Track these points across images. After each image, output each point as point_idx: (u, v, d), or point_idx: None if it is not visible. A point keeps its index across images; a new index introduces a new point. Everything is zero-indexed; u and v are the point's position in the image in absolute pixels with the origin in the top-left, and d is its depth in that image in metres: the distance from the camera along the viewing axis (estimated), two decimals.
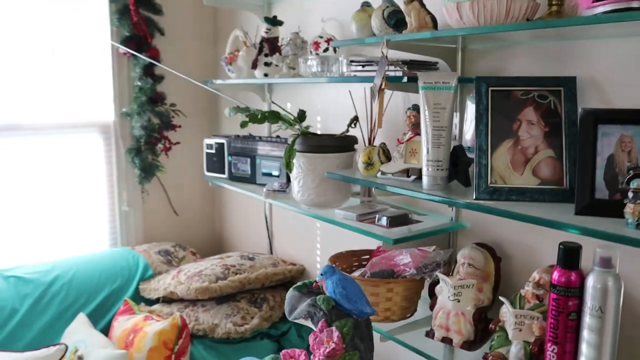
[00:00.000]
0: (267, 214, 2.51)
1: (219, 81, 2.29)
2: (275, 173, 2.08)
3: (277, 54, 1.99)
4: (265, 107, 2.39)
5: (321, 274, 1.37)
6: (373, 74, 1.51)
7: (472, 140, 1.42)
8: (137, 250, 2.48)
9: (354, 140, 1.75)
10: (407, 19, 1.40)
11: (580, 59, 1.30)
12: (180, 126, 2.61)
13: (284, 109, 1.77)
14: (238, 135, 2.24)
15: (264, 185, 2.07)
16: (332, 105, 2.06)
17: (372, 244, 1.71)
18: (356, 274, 1.59)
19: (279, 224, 2.48)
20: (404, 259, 1.53)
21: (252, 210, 2.62)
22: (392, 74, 1.40)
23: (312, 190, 1.71)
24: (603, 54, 1.26)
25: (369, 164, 1.52)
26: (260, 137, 2.16)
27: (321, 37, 1.89)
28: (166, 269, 2.42)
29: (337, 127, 1.91)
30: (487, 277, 1.44)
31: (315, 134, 1.79)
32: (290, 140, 1.73)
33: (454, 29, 1.26)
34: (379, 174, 1.52)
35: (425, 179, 1.35)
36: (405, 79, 1.36)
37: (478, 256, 1.43)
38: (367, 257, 1.79)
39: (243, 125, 1.79)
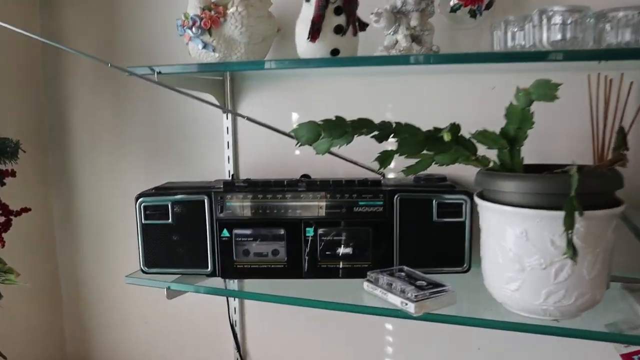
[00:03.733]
0: (237, 320, 1.35)
1: (170, 68, 1.02)
2: (347, 251, 1.04)
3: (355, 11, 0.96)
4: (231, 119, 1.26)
5: None
6: None
7: None
8: None
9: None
10: None
11: None
12: (13, 173, 1.20)
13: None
14: (231, 182, 1.06)
15: (321, 277, 1.03)
16: (411, 109, 1.13)
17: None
18: None
19: (258, 335, 1.36)
20: None
21: (189, 314, 1.40)
22: None
23: (588, 285, 0.80)
24: None
25: None
26: (302, 182, 1.04)
27: None
28: None
29: None
30: None
31: (598, 167, 0.85)
32: (566, 188, 0.75)
33: None
34: None
35: None
36: None
37: None
38: None
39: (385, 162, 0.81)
